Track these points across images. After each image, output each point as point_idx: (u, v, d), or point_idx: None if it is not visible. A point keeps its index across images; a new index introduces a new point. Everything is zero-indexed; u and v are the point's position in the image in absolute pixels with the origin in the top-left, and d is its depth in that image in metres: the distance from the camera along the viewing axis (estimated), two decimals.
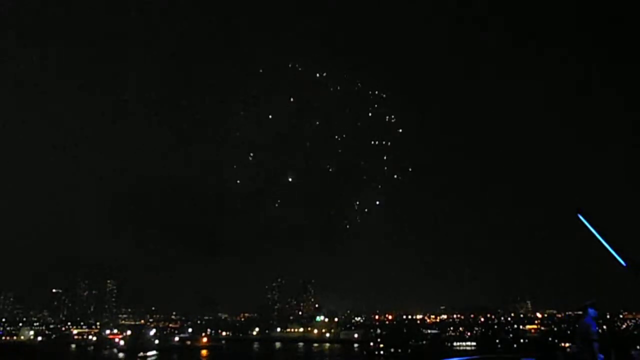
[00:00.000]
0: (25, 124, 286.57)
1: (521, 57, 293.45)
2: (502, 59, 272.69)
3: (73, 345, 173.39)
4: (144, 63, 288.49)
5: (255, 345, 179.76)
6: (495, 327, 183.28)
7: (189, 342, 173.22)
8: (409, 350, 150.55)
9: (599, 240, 9.19)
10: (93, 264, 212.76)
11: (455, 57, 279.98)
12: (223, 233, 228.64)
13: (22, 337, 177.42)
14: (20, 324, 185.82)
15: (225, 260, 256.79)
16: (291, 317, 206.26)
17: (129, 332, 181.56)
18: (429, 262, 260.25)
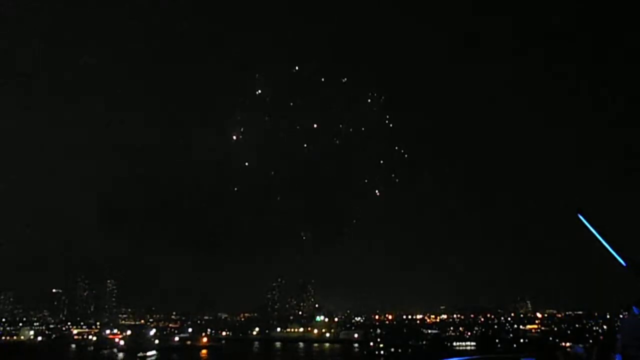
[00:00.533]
0: (25, 124, 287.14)
1: (521, 56, 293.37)
2: (503, 61, 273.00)
3: (73, 345, 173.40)
4: (144, 62, 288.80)
5: (255, 345, 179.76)
6: (495, 327, 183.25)
7: (189, 342, 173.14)
8: (409, 350, 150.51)
9: (599, 240, 9.19)
10: (93, 264, 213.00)
11: (454, 59, 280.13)
12: (223, 233, 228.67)
13: (22, 337, 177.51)
14: (20, 324, 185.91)
15: (225, 260, 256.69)
16: (291, 317, 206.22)
17: (129, 332, 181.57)
18: (428, 263, 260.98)
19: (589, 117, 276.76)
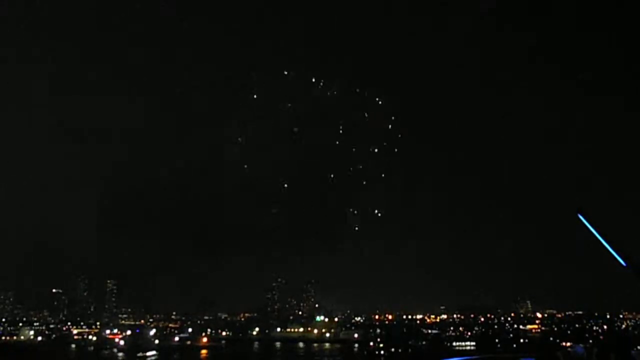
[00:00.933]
0: (26, 125, 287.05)
1: (518, 57, 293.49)
2: (500, 61, 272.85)
3: (73, 345, 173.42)
4: (145, 65, 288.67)
5: (255, 345, 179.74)
6: (495, 327, 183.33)
7: (189, 342, 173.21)
8: (409, 350, 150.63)
9: (599, 240, 9.17)
10: (93, 264, 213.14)
11: (451, 62, 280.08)
12: (222, 233, 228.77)
13: (22, 337, 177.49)
14: (20, 324, 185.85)
15: (225, 260, 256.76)
16: (291, 317, 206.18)
17: (129, 332, 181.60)
18: (428, 263, 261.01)
19: (589, 117, 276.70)
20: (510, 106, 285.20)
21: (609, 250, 9.04)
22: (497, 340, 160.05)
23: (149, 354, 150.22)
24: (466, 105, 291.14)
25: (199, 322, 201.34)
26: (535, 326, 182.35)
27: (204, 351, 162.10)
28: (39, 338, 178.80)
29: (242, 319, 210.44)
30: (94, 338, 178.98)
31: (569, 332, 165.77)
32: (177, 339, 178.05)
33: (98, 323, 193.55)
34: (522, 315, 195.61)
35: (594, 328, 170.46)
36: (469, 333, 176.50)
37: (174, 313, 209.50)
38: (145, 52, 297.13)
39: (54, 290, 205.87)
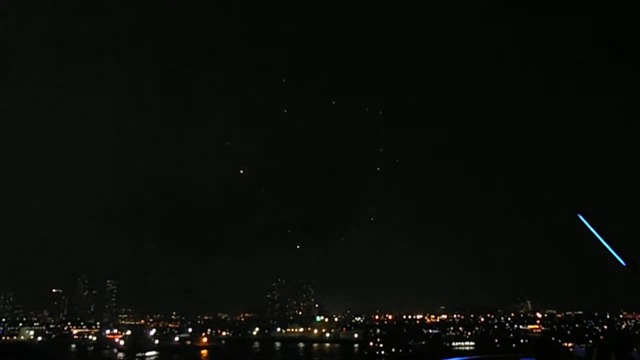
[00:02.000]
0: (26, 126, 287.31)
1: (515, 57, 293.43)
2: (497, 61, 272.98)
3: (73, 345, 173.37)
4: (145, 67, 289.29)
5: (255, 345, 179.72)
6: (495, 327, 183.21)
7: (189, 342, 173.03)
8: (409, 350, 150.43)
9: (599, 240, 9.18)
10: (93, 264, 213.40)
11: (447, 65, 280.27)
12: (223, 233, 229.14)
13: (22, 337, 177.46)
14: (20, 324, 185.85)
15: (225, 260, 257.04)
16: (291, 317, 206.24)
17: (129, 332, 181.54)
18: (428, 263, 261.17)
19: (590, 117, 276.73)
20: (509, 106, 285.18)
21: (609, 250, 9.04)
22: (496, 340, 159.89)
23: (148, 354, 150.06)
24: (464, 105, 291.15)
25: (199, 322, 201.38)
26: (536, 326, 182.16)
27: (204, 351, 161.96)
28: (39, 338, 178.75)
29: (242, 319, 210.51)
30: (94, 338, 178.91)
31: (569, 332, 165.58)
32: (177, 339, 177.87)
33: (98, 323, 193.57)
34: (522, 315, 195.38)
35: (595, 328, 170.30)
36: (469, 333, 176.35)
37: (174, 313, 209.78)
38: (145, 52, 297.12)
39: (54, 290, 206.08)
